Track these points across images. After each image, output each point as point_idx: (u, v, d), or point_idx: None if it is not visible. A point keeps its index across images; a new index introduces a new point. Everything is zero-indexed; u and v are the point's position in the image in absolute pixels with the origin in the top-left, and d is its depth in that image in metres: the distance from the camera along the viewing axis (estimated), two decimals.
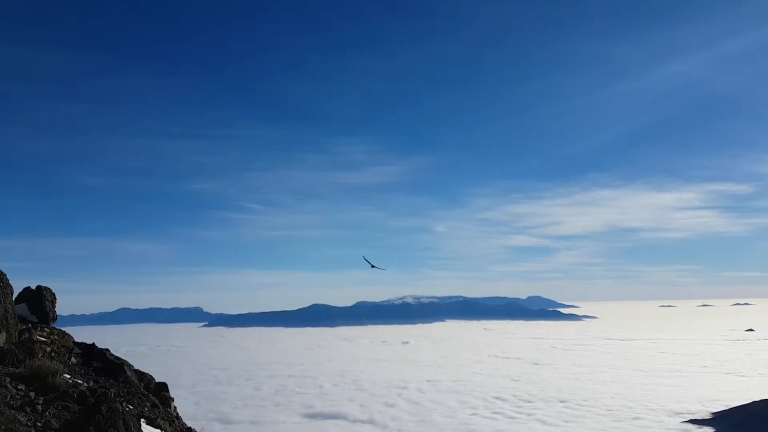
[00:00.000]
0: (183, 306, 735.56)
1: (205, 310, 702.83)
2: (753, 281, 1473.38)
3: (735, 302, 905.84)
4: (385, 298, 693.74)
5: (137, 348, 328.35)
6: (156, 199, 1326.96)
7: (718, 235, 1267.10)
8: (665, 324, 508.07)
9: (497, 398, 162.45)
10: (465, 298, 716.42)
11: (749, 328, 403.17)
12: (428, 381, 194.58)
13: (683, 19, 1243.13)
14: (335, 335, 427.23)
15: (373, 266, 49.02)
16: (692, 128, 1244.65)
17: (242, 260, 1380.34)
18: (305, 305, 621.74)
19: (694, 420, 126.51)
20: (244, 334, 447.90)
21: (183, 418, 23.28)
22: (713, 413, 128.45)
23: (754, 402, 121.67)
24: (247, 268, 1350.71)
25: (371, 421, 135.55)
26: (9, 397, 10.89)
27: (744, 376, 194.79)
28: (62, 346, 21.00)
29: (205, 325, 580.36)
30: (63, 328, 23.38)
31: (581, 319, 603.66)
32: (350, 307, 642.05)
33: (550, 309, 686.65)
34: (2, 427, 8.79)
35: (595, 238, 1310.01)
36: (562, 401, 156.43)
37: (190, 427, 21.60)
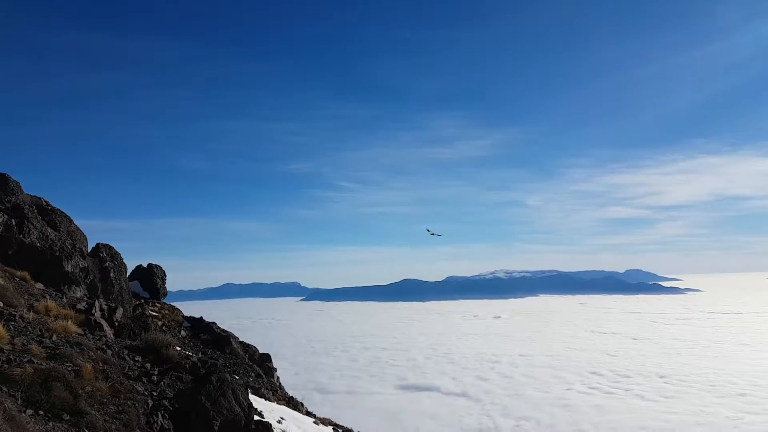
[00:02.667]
0: (282, 281, 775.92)
1: (302, 284, 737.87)
2: None
3: None
4: (476, 273, 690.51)
5: (241, 321, 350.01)
6: (255, 180, 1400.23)
7: None
8: None
9: (593, 373, 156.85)
10: (559, 272, 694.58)
11: None
12: (521, 355, 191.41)
13: None
14: (426, 309, 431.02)
15: (432, 233, 51.80)
16: None
17: (336, 237, 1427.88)
18: (397, 280, 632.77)
19: None
20: (339, 308, 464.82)
21: (285, 387, 24.32)
22: None
23: None
24: (341, 245, 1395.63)
25: (464, 394, 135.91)
26: (127, 368, 11.63)
27: None
28: (172, 320, 22.49)
29: (303, 299, 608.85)
30: (172, 303, 25.11)
31: (684, 293, 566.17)
32: (441, 281, 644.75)
33: (651, 282, 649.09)
34: (122, 396, 9.31)
35: (700, 207, 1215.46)
36: (661, 376, 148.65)
37: (291, 396, 22.47)
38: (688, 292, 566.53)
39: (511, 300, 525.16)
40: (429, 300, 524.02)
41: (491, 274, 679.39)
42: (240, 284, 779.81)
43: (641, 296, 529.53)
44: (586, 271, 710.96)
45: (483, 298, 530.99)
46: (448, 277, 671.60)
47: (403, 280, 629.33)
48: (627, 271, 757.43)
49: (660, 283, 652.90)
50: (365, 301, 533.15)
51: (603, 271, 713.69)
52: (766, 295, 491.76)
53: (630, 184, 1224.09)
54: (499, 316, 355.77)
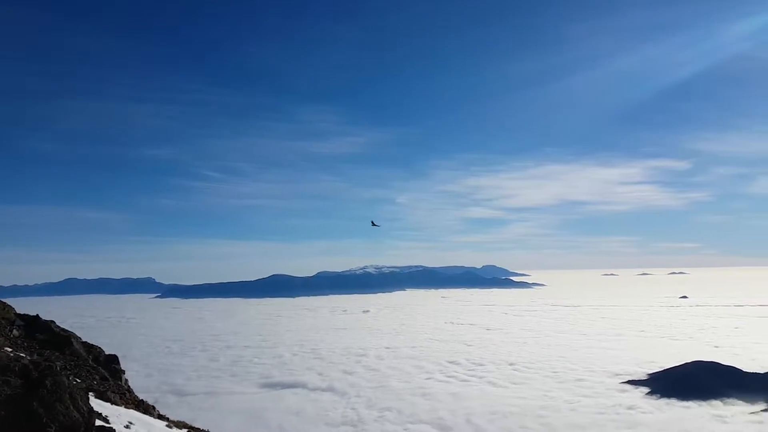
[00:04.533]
0: (134, 276, 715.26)
1: (157, 280, 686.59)
2: (688, 252, 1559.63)
3: (671, 271, 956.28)
4: (347, 268, 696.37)
5: (86, 320, 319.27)
6: (108, 165, 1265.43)
7: (657, 209, 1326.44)
8: (607, 291, 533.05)
9: (451, 362, 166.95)
10: (424, 267, 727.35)
11: (683, 295, 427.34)
12: (387, 348, 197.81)
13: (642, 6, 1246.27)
14: (295, 305, 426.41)
15: (374, 224, 55.87)
16: (637, 108, 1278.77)
17: (199, 229, 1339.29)
18: (265, 276, 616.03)
19: (632, 381, 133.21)
20: (200, 306, 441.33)
21: (135, 390, 22.72)
22: (649, 374, 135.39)
23: (685, 363, 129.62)
24: (204, 238, 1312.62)
25: (330, 389, 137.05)
26: None
27: (677, 339, 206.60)
28: (3, 318, 19.93)
29: (157, 296, 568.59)
30: (4, 300, 22.17)
31: (531, 287, 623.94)
32: (311, 277, 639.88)
33: (503, 277, 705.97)
34: None
35: (546, 210, 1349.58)
36: (511, 364, 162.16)
37: (142, 400, 21.08)
38: (535, 287, 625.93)
39: (380, 294, 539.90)
40: (299, 296, 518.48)
41: (362, 269, 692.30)
42: (85, 279, 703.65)
43: (495, 290, 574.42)
44: (448, 266, 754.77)
45: (353, 293, 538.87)
46: (319, 273, 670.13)
47: (272, 275, 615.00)
48: (483, 266, 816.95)
49: (511, 278, 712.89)
50: (229, 297, 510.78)
51: (463, 267, 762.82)
52: (601, 289, 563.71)
53: (488, 187, 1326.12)
54: (368, 311, 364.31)
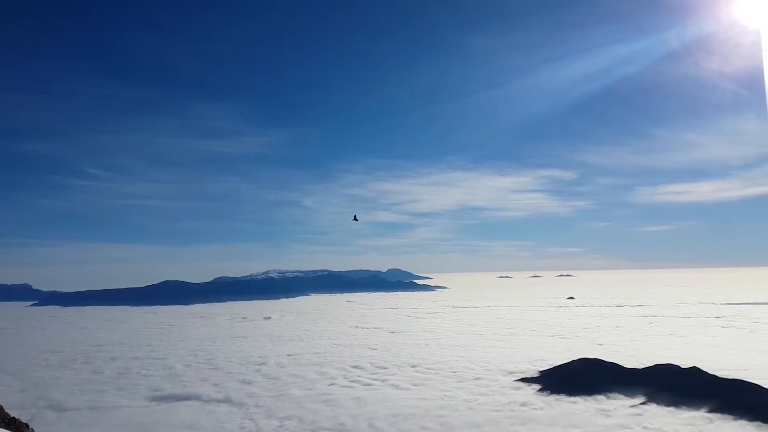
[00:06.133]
0: (8, 282, 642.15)
1: (35, 287, 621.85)
2: (574, 255, 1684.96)
3: (560, 273, 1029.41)
4: (248, 273, 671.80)
5: None
6: None
7: (546, 215, 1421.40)
8: (502, 292, 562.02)
9: (355, 367, 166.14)
10: (330, 271, 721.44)
11: (570, 296, 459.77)
12: (289, 355, 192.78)
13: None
14: (190, 313, 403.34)
15: (355, 219, 55.51)
16: (531, 122, 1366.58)
17: (82, 232, 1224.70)
18: (155, 282, 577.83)
19: (524, 378, 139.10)
20: (82, 314, 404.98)
21: (6, 407, 19.76)
22: (540, 371, 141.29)
23: (572, 361, 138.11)
24: (88, 241, 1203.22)
25: (227, 400, 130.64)
26: None
27: (565, 338, 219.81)
28: None
29: (34, 304, 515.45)
30: None
31: (433, 289, 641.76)
32: (208, 283, 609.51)
33: (407, 280, 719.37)
34: None
35: (448, 215, 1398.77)
36: (413, 366, 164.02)
37: (14, 417, 18.29)
38: (437, 289, 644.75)
39: (283, 300, 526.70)
40: (193, 303, 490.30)
41: (264, 274, 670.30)
42: None
43: (399, 293, 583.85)
44: (354, 270, 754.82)
45: (254, 299, 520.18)
46: (216, 278, 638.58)
47: (163, 281, 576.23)
48: (389, 270, 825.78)
49: (415, 281, 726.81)
50: (116, 305, 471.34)
51: (368, 271, 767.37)
52: (496, 291, 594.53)
53: (394, 192, 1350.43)
54: (270, 317, 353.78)
